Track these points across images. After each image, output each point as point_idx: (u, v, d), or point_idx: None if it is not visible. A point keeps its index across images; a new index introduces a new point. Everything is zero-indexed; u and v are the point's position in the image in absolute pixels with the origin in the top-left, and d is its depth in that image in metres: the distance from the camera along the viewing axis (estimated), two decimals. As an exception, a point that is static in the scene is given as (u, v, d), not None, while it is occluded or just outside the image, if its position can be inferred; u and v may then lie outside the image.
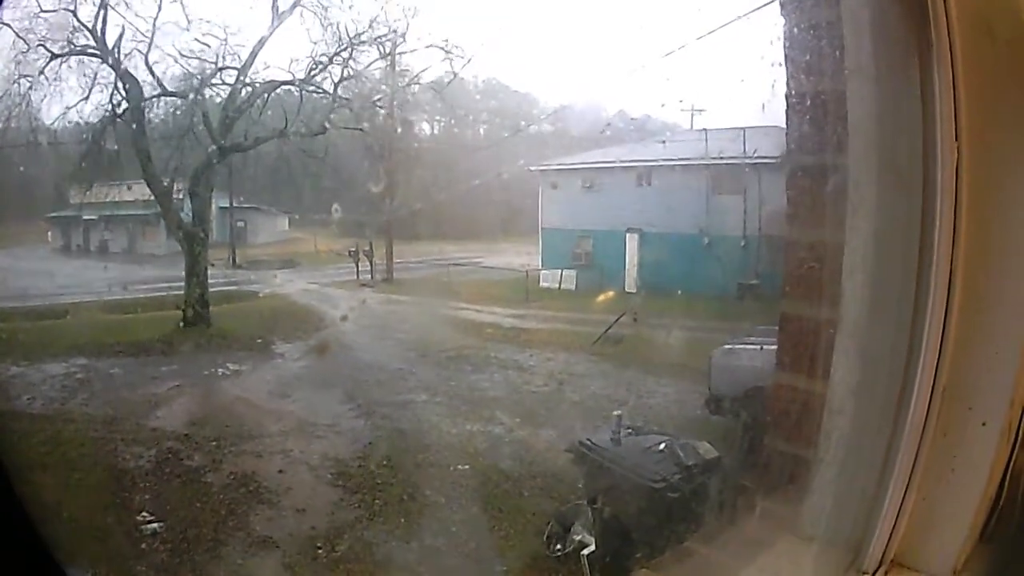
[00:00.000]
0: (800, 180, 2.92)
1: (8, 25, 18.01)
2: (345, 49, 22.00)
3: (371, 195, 25.05)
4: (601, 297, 23.86)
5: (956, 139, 2.39)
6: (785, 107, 2.85)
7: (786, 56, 2.84)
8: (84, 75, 19.44)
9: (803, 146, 2.90)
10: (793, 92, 2.85)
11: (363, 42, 22.15)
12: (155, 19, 19.48)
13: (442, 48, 22.69)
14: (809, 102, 2.81)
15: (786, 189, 2.92)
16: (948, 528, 2.55)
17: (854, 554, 2.63)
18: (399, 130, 25.00)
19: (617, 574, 9.85)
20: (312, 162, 22.98)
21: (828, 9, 2.70)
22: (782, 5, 2.94)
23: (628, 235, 25.57)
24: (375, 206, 25.85)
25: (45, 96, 19.41)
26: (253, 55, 20.87)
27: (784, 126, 2.90)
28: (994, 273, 2.43)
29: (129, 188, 21.87)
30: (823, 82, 2.74)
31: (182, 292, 20.27)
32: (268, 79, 21.45)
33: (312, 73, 21.90)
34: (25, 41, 18.54)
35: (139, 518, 11.37)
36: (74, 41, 19.08)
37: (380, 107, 24.01)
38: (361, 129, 23.14)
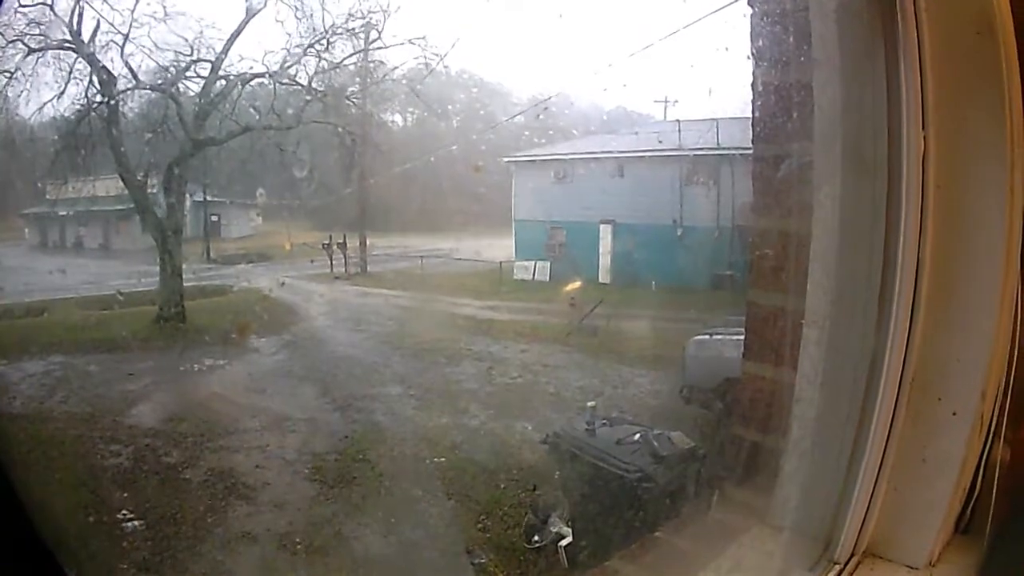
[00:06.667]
0: (766, 170, 2.91)
1: (-15, 21, 17.90)
2: (320, 41, 21.96)
3: (343, 187, 25.00)
4: (568, 287, 23.84)
5: (923, 129, 2.40)
6: (751, 97, 2.85)
7: (752, 46, 2.84)
8: (60, 69, 19.34)
9: (769, 136, 2.90)
10: (759, 82, 2.84)
11: (338, 34, 22.13)
12: (132, 11, 19.40)
13: (416, 44, 22.69)
14: (775, 92, 2.80)
15: (752, 179, 2.92)
16: (922, 519, 2.56)
17: (825, 544, 2.64)
18: (372, 123, 24.91)
19: (592, 564, 9.89)
20: (285, 155, 22.92)
21: (795, -2, 2.70)
22: (749, -6, 2.94)
23: (602, 226, 25.61)
24: (347, 198, 25.81)
25: (22, 91, 19.30)
26: (227, 47, 20.80)
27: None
28: (961, 263, 2.44)
29: (104, 183, 21.70)
30: (789, 72, 2.74)
31: (157, 287, 20.19)
32: (242, 71, 21.41)
33: (286, 65, 21.85)
34: (3, 36, 18.44)
35: (119, 516, 11.32)
36: (50, 35, 18.98)
37: (354, 100, 23.96)
38: (334, 124, 23.09)
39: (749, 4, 2.93)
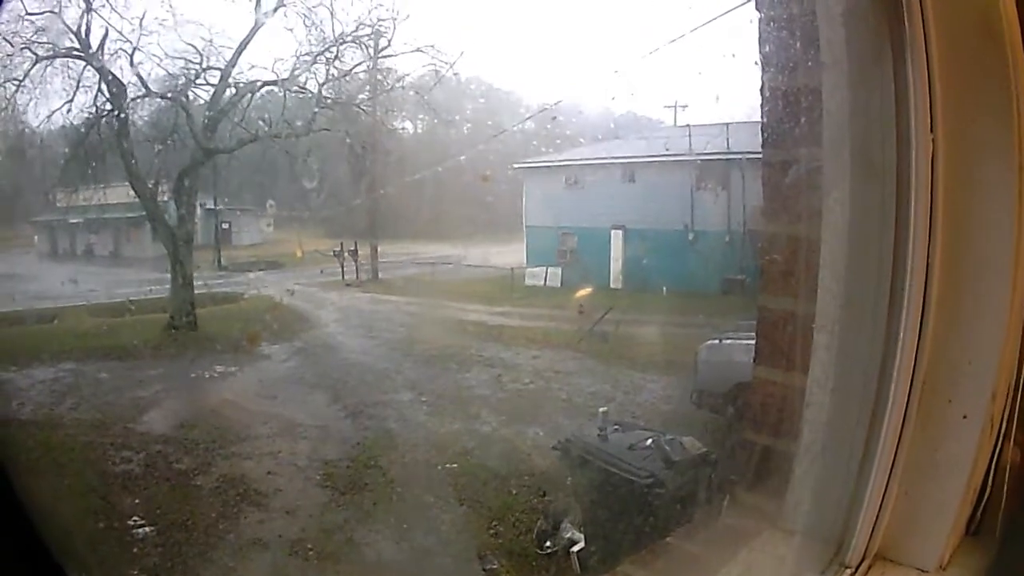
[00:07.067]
0: (775, 174, 2.91)
1: (-7, 29, 17.95)
2: (329, 49, 21.98)
3: (354, 195, 25.01)
4: (579, 293, 23.84)
5: (932, 131, 2.39)
6: (760, 102, 2.85)
7: (760, 50, 2.84)
8: (69, 77, 19.39)
9: (778, 141, 2.90)
10: (767, 87, 2.84)
11: (347, 42, 22.16)
12: (141, 20, 19.44)
13: (426, 52, 22.75)
14: (783, 97, 2.80)
15: (762, 184, 2.92)
16: (933, 522, 2.54)
17: (836, 548, 2.63)
18: (382, 131, 24.94)
19: (604, 569, 9.87)
20: (296, 163, 22.91)
21: (802, 2, 2.70)
22: (757, -1, 2.94)
23: (613, 232, 25.60)
24: (358, 206, 25.81)
25: (31, 99, 19.36)
26: (237, 55, 20.84)
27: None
28: (971, 265, 2.43)
29: (114, 191, 21.73)
30: (797, 77, 2.73)
31: (168, 295, 20.21)
32: (252, 80, 21.42)
33: (296, 73, 21.86)
34: (11, 44, 18.48)
35: (130, 522, 11.33)
36: (58, 43, 19.01)
37: (364, 108, 23.96)
38: (344, 133, 23.08)
39: (756, 9, 2.93)
